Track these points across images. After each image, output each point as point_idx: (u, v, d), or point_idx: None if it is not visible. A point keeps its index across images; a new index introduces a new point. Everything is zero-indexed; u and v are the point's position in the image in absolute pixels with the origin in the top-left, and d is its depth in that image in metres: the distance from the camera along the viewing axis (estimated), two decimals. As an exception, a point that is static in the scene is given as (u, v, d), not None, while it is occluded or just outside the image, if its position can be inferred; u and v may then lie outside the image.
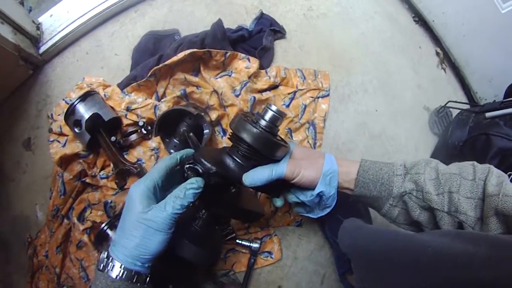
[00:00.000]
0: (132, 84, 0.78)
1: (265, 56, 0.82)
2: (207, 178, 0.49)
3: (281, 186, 0.56)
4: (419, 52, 0.95)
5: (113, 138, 0.76)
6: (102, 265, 0.46)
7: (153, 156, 0.78)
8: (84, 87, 0.89)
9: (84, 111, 0.75)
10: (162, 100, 0.77)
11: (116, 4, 0.93)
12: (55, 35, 0.96)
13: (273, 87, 0.81)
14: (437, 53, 0.97)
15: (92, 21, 0.94)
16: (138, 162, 0.78)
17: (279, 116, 0.52)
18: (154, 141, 0.77)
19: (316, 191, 0.51)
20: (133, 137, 0.77)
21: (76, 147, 0.81)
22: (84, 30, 0.96)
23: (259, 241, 0.77)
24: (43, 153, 0.97)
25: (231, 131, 0.53)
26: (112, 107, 0.79)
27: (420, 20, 0.97)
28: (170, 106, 0.75)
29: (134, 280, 0.45)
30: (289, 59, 0.86)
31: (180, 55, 0.75)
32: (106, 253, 0.46)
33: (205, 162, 0.49)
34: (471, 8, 0.84)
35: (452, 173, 0.44)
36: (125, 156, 0.79)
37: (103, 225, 0.79)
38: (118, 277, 0.44)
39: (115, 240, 0.47)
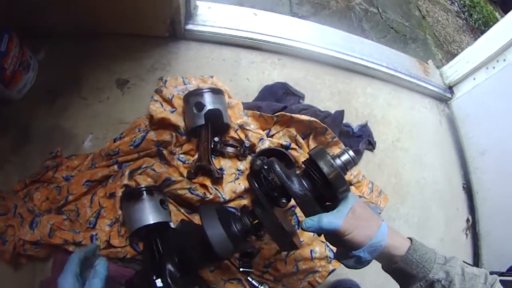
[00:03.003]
0: (254, 111, 0.91)
1: (354, 157, 0.98)
2: (267, 172, 0.58)
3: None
4: (455, 212, 1.16)
5: (216, 139, 0.85)
6: None
7: (234, 175, 0.86)
8: (208, 82, 1.00)
9: (209, 101, 0.84)
10: (269, 138, 0.89)
11: (266, 42, 1.08)
12: (206, 25, 1.08)
13: (349, 183, 0.95)
14: (467, 220, 1.16)
15: (242, 40, 1.08)
16: (219, 170, 0.86)
17: (353, 161, 0.58)
18: (244, 164, 0.86)
19: (355, 254, 0.56)
20: (230, 149, 0.86)
21: (180, 121, 0.87)
22: (231, 42, 1.09)
23: (267, 287, 0.82)
24: (132, 101, 1.02)
25: (308, 157, 0.60)
26: (229, 115, 0.89)
27: (468, 188, 1.19)
28: (277, 145, 0.87)
29: None
30: (368, 169, 1.02)
31: (305, 117, 0.89)
32: None
33: (275, 164, 0.58)
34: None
35: (474, 273, 0.54)
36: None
37: (143, 185, 0.83)
38: None
39: None
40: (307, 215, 0.59)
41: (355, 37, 1.21)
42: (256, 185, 0.62)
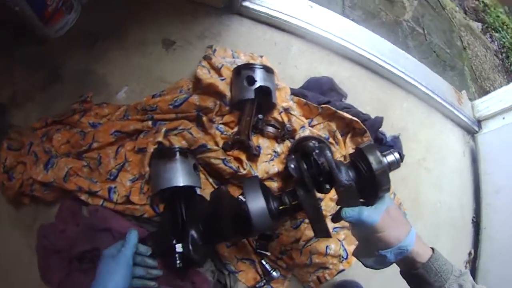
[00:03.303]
0: (300, 98, 0.91)
1: (383, 165, 0.99)
2: (318, 156, 0.59)
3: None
4: (460, 243, 1.17)
5: (260, 116, 0.84)
6: None
7: (270, 155, 0.86)
8: (256, 60, 1.00)
9: (261, 77, 0.82)
10: (309, 127, 0.89)
11: (319, 36, 1.08)
12: (262, 6, 1.06)
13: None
14: (470, 253, 1.18)
15: (295, 28, 1.07)
16: (257, 147, 0.85)
17: (397, 163, 0.61)
18: (281, 147, 0.86)
19: (381, 253, 0.58)
20: (271, 129, 0.85)
21: (227, 91, 0.85)
22: (284, 27, 1.08)
23: (279, 273, 0.83)
24: (176, 62, 1.00)
25: (356, 150, 0.62)
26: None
27: (476, 222, 1.21)
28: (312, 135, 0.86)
29: None
30: (392, 180, 1.02)
31: (347, 115, 0.89)
32: None
33: (327, 149, 0.60)
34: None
35: None
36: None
37: (177, 146, 0.80)
38: None
39: None
40: (347, 205, 0.60)
41: (401, 51, 1.22)
42: (305, 166, 0.62)
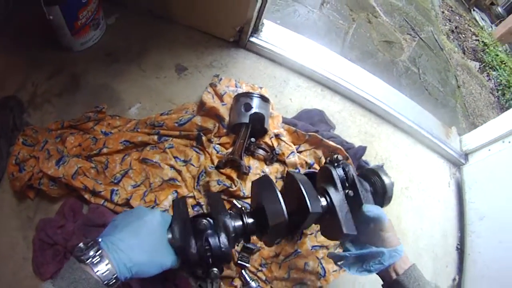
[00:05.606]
0: (290, 127, 1.02)
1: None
2: (347, 173, 0.73)
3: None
4: (444, 269, 1.19)
5: (252, 139, 0.95)
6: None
7: (258, 175, 0.96)
8: (255, 90, 1.13)
9: (257, 105, 0.94)
10: (297, 153, 1.00)
11: (315, 73, 1.21)
12: (267, 42, 1.22)
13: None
14: (454, 279, 1.20)
15: (294, 64, 1.21)
16: (248, 167, 0.96)
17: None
18: (270, 168, 0.97)
19: (383, 249, 0.66)
20: (261, 152, 0.97)
21: (227, 115, 0.97)
22: (284, 63, 1.22)
23: (257, 284, 0.89)
24: (185, 87, 1.13)
25: (369, 169, 0.79)
26: (269, 123, 1.00)
27: (460, 249, 1.24)
28: (303, 161, 0.97)
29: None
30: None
31: (332, 143, 1.00)
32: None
33: (351, 167, 0.74)
34: (504, 267, 1.08)
35: None
36: (243, 156, 0.97)
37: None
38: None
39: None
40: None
41: (392, 89, 1.33)
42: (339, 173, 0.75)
